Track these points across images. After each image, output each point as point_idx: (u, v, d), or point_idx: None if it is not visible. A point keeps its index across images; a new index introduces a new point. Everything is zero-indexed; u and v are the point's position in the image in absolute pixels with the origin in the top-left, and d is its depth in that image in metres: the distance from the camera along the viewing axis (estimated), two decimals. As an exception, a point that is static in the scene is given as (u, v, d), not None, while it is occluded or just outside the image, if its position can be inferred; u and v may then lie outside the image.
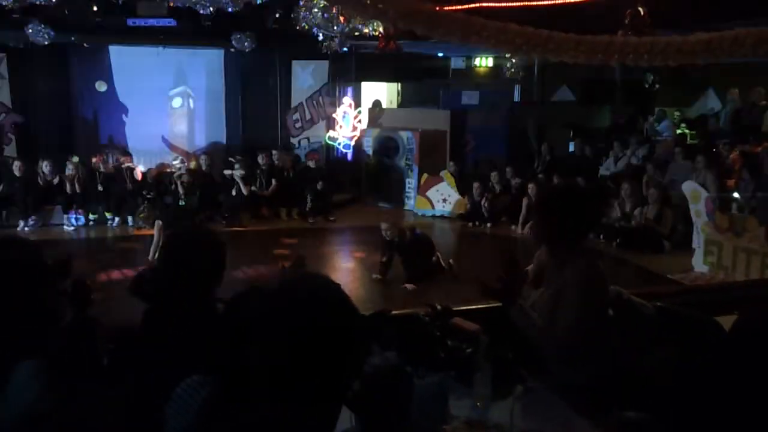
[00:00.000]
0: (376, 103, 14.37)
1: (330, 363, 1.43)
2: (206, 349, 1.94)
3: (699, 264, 8.03)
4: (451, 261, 7.93)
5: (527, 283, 2.85)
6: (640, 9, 8.13)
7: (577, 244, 2.67)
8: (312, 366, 1.42)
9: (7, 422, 1.78)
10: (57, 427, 1.94)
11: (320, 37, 9.56)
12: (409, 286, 7.37)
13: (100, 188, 10.91)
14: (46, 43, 10.56)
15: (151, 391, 2.10)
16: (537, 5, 8.21)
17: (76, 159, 11.19)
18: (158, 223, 8.81)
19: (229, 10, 8.20)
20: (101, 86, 12.61)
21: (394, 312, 2.99)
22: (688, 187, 8.37)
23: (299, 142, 13.62)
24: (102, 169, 11.14)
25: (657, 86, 13.71)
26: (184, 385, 1.86)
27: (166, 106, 13.13)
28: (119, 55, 12.54)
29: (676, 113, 14.49)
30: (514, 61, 13.16)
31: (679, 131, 13.82)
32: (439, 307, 2.99)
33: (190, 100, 13.26)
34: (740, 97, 12.18)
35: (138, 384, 2.27)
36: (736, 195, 8.11)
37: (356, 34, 8.57)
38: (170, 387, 1.87)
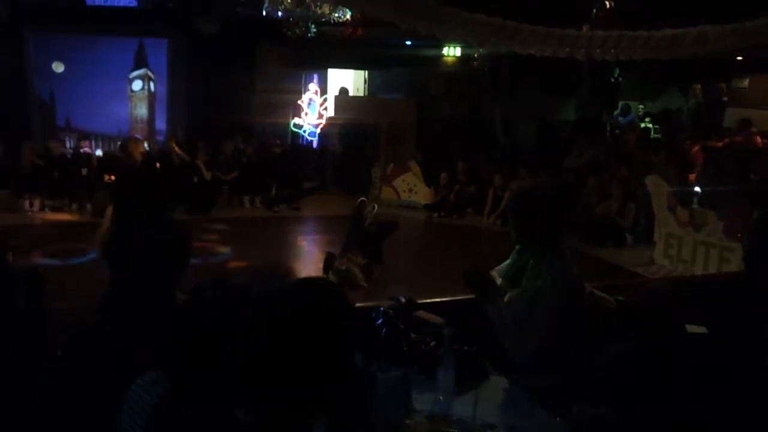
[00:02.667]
0: (343, 91, 14.26)
1: (311, 366, 1.39)
2: (165, 344, 1.87)
3: (660, 257, 8.15)
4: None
5: (504, 278, 2.84)
6: (607, 2, 8.23)
7: (553, 245, 2.66)
8: (293, 369, 1.37)
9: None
10: (7, 420, 1.87)
11: (287, 22, 9.43)
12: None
13: (55, 173, 10.62)
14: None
15: (105, 385, 2.03)
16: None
17: (31, 143, 10.88)
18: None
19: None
20: (58, 67, 12.26)
21: (357, 305, 2.96)
22: (651, 181, 8.49)
23: (263, 128, 13.42)
24: (58, 153, 10.85)
25: (620, 79, 13.88)
26: (140, 381, 1.80)
27: (125, 88, 12.83)
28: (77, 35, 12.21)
29: (640, 107, 14.70)
30: (481, 51, 13.17)
31: (642, 125, 14.03)
32: (403, 299, 2.97)
33: (151, 83, 12.98)
34: (702, 93, 12.41)
35: (91, 378, 2.19)
36: (697, 189, 8.24)
37: (323, 20, 8.47)
38: (125, 382, 1.81)
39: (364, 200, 7.57)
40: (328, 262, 7.14)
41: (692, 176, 9.25)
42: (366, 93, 14.90)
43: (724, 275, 3.68)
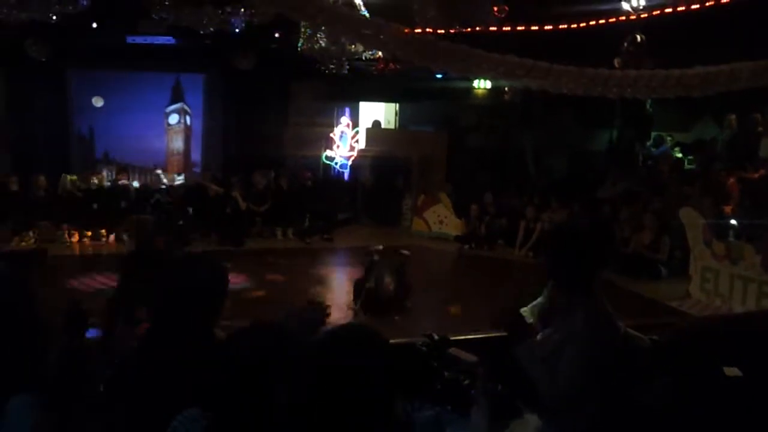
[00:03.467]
0: (375, 123, 14.41)
1: (349, 412, 1.42)
2: (206, 382, 1.91)
3: (696, 291, 8.01)
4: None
5: (536, 317, 2.82)
6: (638, 36, 8.23)
7: (587, 284, 2.62)
8: (332, 414, 1.41)
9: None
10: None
11: (321, 59, 9.61)
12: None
13: (94, 205, 10.90)
14: (43, 59, 10.60)
15: (146, 422, 2.08)
16: (535, 30, 8.26)
17: (72, 176, 11.19)
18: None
19: (236, 30, 8.28)
20: (98, 101, 12.65)
21: (391, 341, 2.97)
22: (686, 213, 8.38)
23: (296, 160, 13.61)
24: (97, 185, 11.15)
25: (651, 109, 13.78)
26: (181, 417, 1.84)
27: (162, 122, 13.16)
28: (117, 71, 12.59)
29: (668, 138, 14.53)
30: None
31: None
32: (436, 336, 2.97)
33: (187, 117, 13.30)
34: (737, 123, 12.24)
35: (133, 414, 2.24)
36: (733, 222, 8.09)
37: (356, 57, 8.65)
38: (166, 419, 1.85)
39: (361, 279, 7.30)
40: (358, 289, 7.16)
41: (728, 208, 9.10)
42: (397, 125, 15.02)
43: (760, 314, 3.61)
